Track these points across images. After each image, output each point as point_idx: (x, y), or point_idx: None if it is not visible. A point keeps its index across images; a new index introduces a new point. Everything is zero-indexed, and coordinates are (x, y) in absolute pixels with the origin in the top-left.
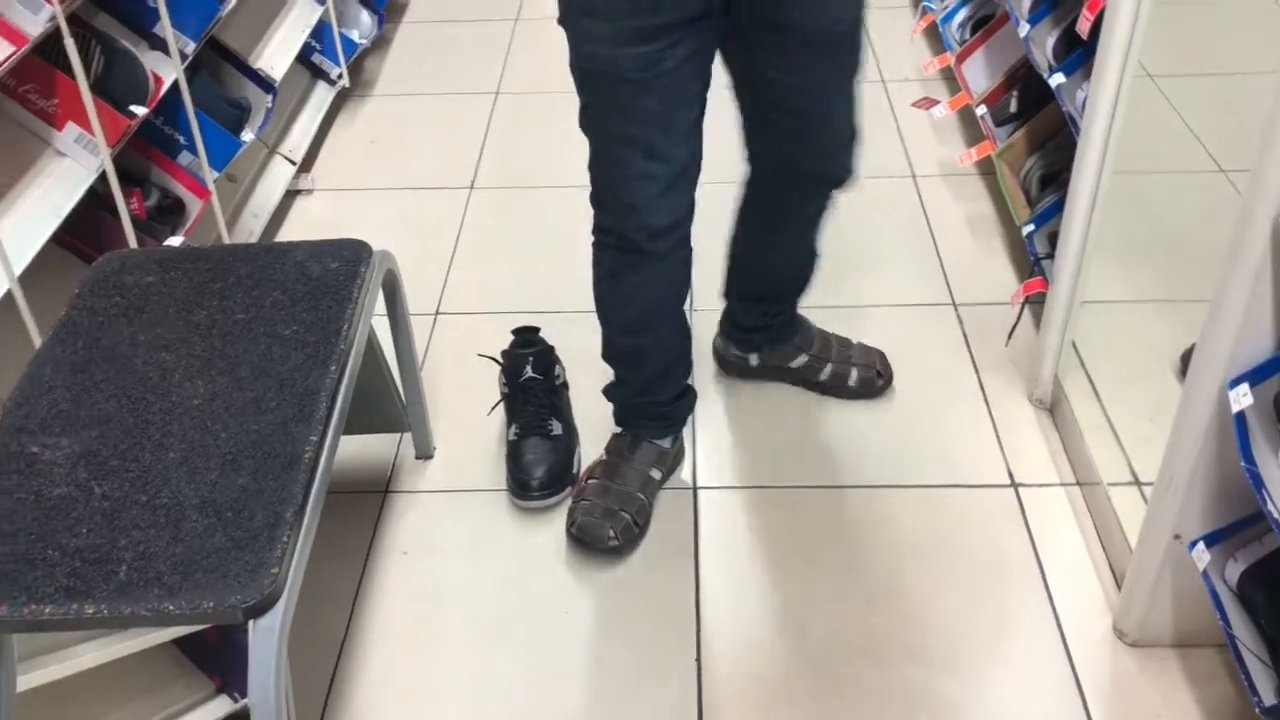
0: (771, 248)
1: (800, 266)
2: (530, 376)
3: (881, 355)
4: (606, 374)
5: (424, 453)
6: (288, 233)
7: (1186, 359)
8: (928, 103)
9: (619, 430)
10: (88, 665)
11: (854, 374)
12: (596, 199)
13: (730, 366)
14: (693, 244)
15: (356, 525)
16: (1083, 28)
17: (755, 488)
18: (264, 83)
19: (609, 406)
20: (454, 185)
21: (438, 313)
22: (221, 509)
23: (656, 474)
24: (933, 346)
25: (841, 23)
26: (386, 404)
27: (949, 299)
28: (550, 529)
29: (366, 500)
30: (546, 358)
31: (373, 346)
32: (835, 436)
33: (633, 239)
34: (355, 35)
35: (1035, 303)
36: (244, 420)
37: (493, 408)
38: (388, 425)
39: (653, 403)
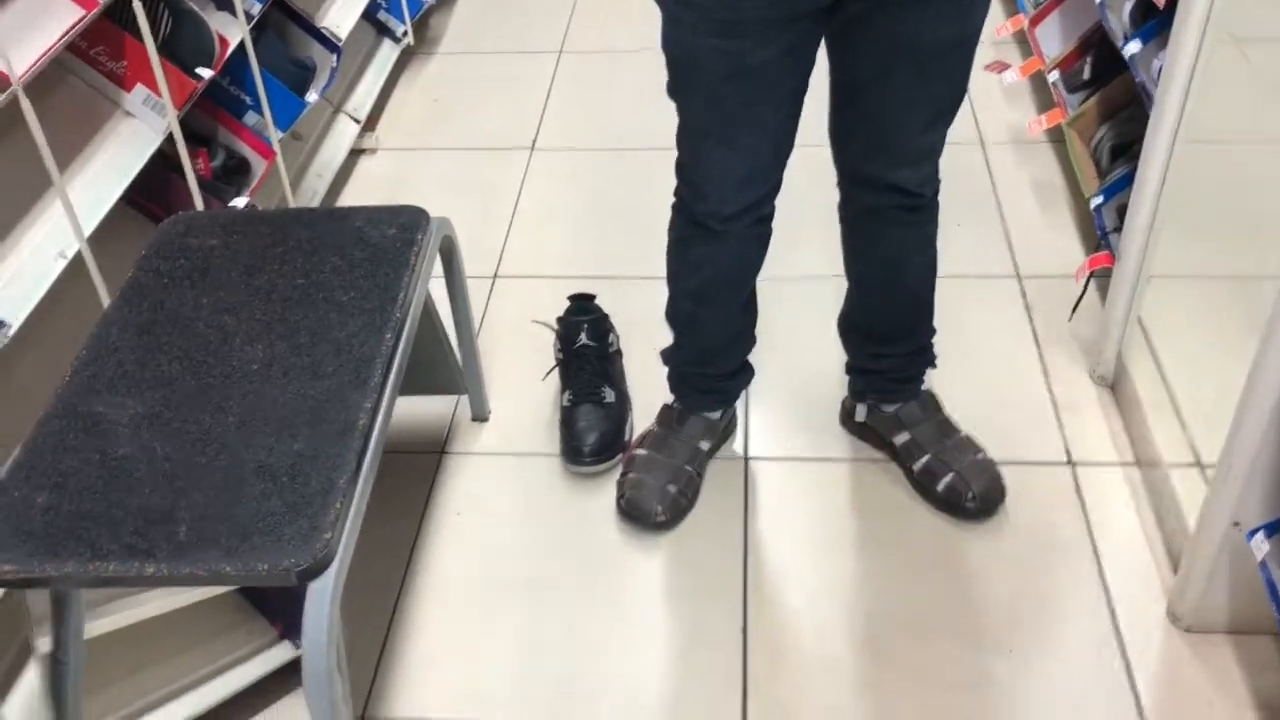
0: (864, 270)
1: (901, 302)
2: (584, 344)
3: (994, 477)
4: (663, 341)
5: (480, 415)
6: (351, 192)
7: None
8: (999, 66)
9: (670, 401)
10: (152, 614)
11: (947, 479)
12: (678, 167)
13: (844, 417)
14: (774, 223)
15: (412, 484)
16: None
17: (806, 459)
18: (329, 42)
19: (663, 376)
20: (516, 146)
21: (496, 276)
22: (278, 474)
23: (705, 445)
24: (994, 319)
25: (959, 41)
26: (443, 367)
27: (1013, 270)
28: (601, 494)
29: (423, 460)
30: (601, 325)
31: (429, 311)
32: None
33: (702, 219)
34: None
35: (1101, 277)
36: (301, 385)
37: (547, 373)
38: (444, 388)
39: (706, 374)
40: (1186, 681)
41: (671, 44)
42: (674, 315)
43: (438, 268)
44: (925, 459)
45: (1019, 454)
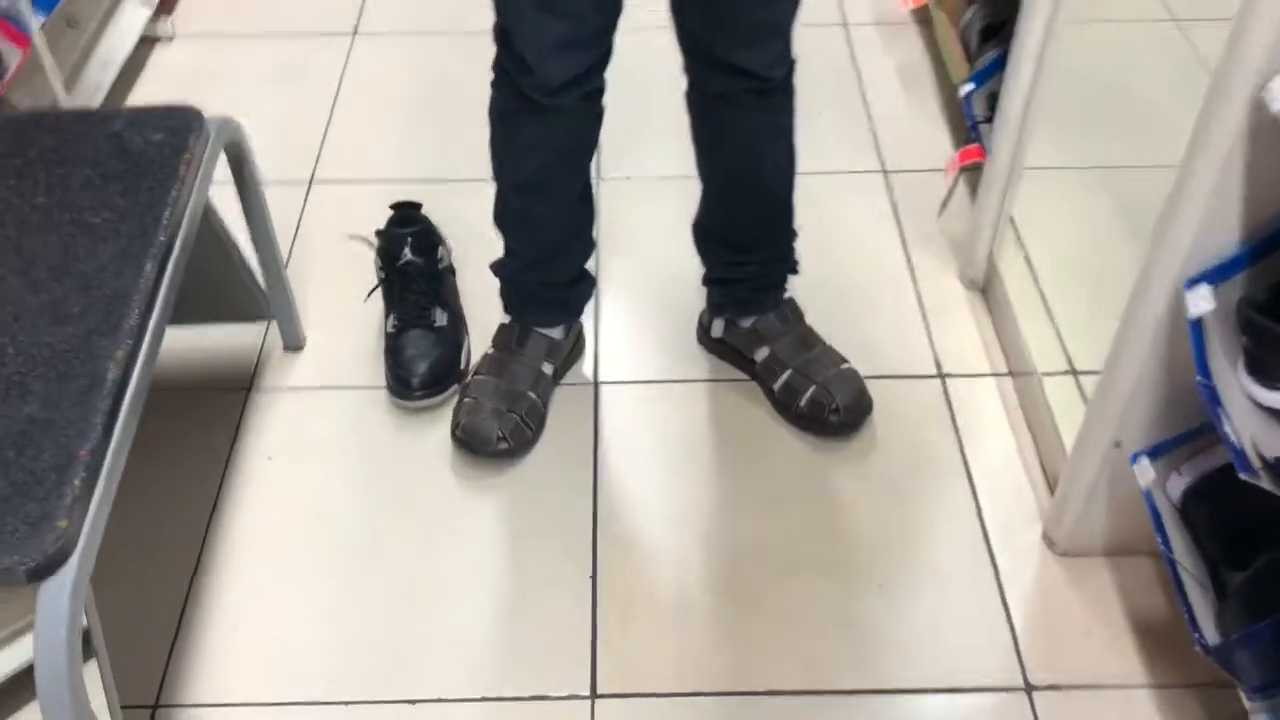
0: (715, 165)
1: (760, 203)
2: (409, 260)
3: (859, 389)
4: (497, 253)
5: (293, 344)
6: (143, 89)
7: None
8: None
9: (507, 320)
10: None
11: (807, 395)
12: (497, 32)
13: (700, 333)
14: (618, 118)
15: (215, 429)
16: None
17: (661, 382)
18: None
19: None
20: (336, 31)
21: (311, 181)
22: (2, 445)
23: (549, 368)
24: (858, 217)
25: None
26: (240, 292)
27: (878, 165)
28: (434, 431)
29: (227, 400)
30: (428, 238)
31: (214, 229)
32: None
33: (528, 93)
34: None
35: (972, 171)
36: (37, 332)
37: (369, 294)
38: (246, 314)
39: (544, 284)
40: (1062, 607)
41: None
42: (503, 215)
43: (226, 175)
44: (786, 375)
45: (886, 366)
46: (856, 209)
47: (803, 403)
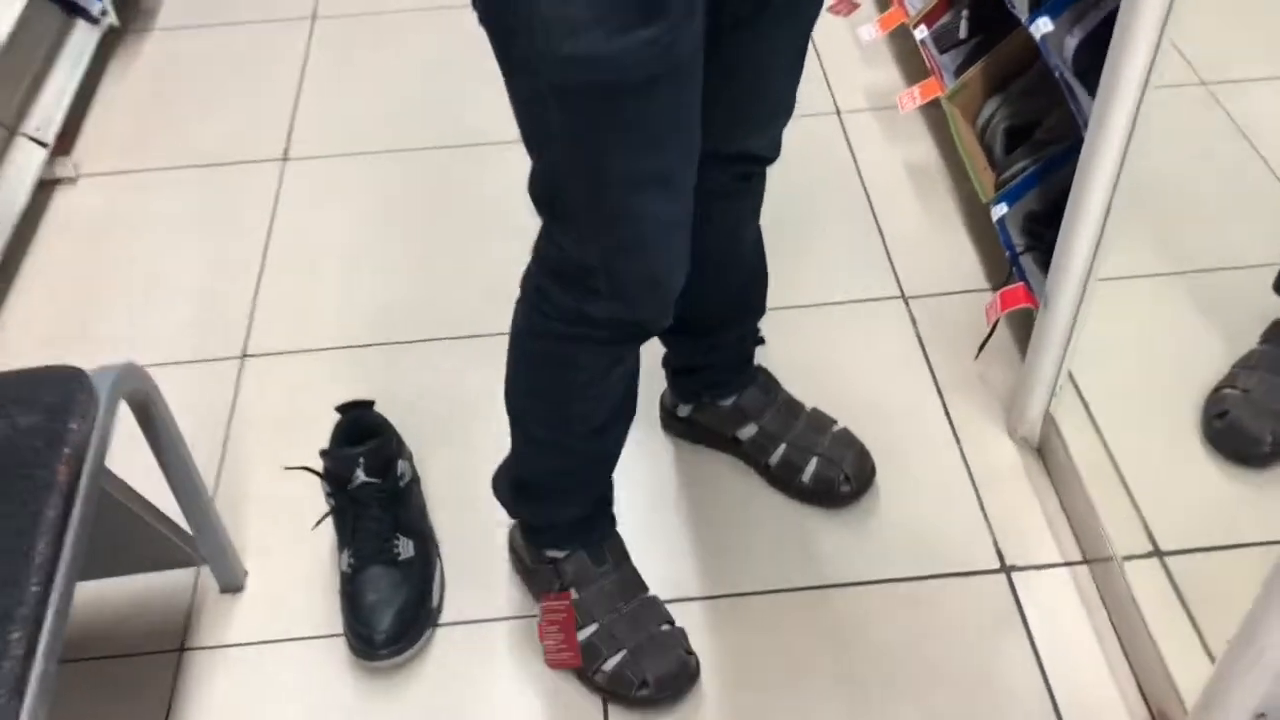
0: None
1: (738, 280)
2: (363, 483)
3: (861, 451)
4: (485, 427)
5: (230, 585)
6: (44, 243)
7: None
8: (847, 7)
9: (564, 553)
10: None
11: (811, 467)
12: (579, 281)
13: (666, 413)
14: None
15: (138, 710)
16: None
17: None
18: None
19: (479, 488)
20: (264, 157)
21: (244, 355)
22: None
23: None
24: (879, 356)
25: None
26: (157, 543)
27: (896, 289)
28: (409, 689)
29: (153, 666)
30: (383, 450)
31: (114, 500)
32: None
33: (648, 326)
34: None
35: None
36: None
37: (318, 522)
38: (170, 562)
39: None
40: None
41: (567, 70)
42: (570, 469)
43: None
44: (781, 450)
45: (940, 558)
46: (877, 345)
47: (806, 478)
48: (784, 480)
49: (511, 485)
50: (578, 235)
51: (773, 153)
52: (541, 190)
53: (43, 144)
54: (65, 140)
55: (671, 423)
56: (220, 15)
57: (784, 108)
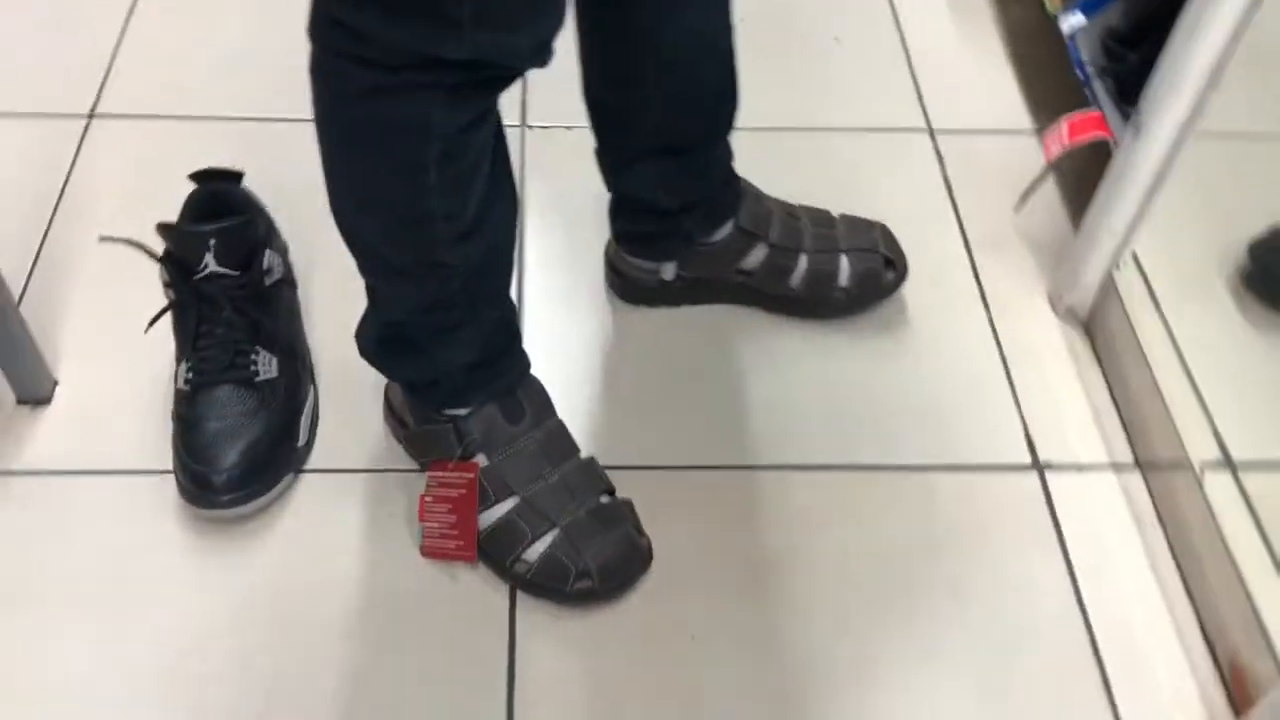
0: (663, 49)
1: (718, 75)
2: (213, 272)
3: (884, 230)
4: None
5: (33, 396)
6: None
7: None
8: None
9: (466, 410)
10: None
11: (845, 267)
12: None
13: (634, 286)
14: None
15: None
16: None
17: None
18: None
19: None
20: None
21: (92, 115)
22: None
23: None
24: (898, 198)
25: None
26: None
27: (922, 120)
28: (250, 552)
29: None
30: (245, 233)
31: None
32: (758, 365)
33: (522, 62)
34: None
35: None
36: None
37: (151, 321)
38: None
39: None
40: None
41: None
42: (452, 280)
43: None
44: (803, 262)
45: (953, 447)
46: (896, 186)
47: (844, 280)
48: (816, 298)
49: (377, 340)
50: None
51: None
52: None
53: None
54: None
55: (645, 295)
56: None
57: None
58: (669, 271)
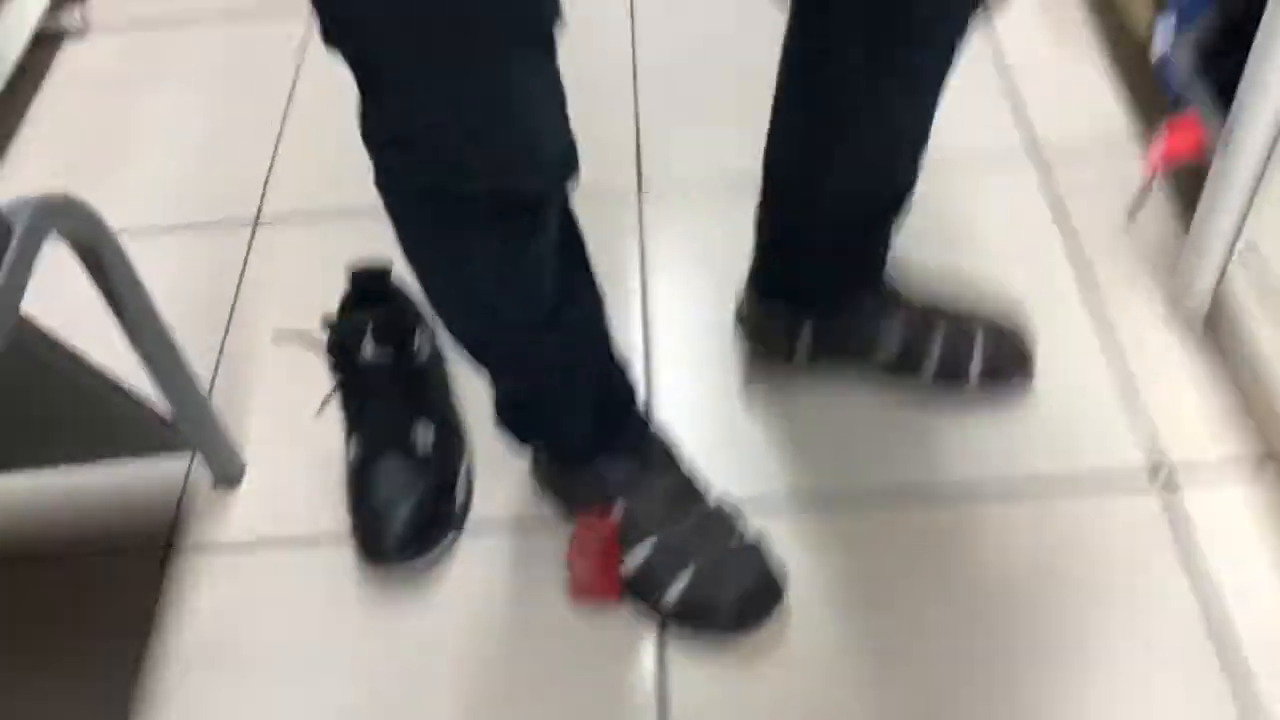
0: (858, 138)
1: (908, 160)
2: (374, 355)
3: (1022, 333)
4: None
5: (226, 477)
6: (46, 99)
7: None
8: None
9: (598, 463)
10: None
11: (978, 353)
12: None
13: (770, 342)
14: None
15: (115, 614)
16: None
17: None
18: None
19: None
20: (290, 10)
21: (257, 223)
22: None
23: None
24: (1000, 216)
25: None
26: (127, 425)
27: (1022, 137)
28: (429, 605)
29: (136, 568)
30: (396, 318)
31: (38, 358)
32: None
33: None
34: None
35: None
36: None
37: (322, 405)
38: (150, 446)
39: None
40: None
41: None
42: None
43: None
44: (939, 345)
45: (1070, 461)
46: (1003, 202)
47: (976, 366)
48: (946, 376)
49: (498, 410)
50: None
51: None
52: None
53: None
54: None
55: (779, 349)
56: None
57: None
58: (807, 334)
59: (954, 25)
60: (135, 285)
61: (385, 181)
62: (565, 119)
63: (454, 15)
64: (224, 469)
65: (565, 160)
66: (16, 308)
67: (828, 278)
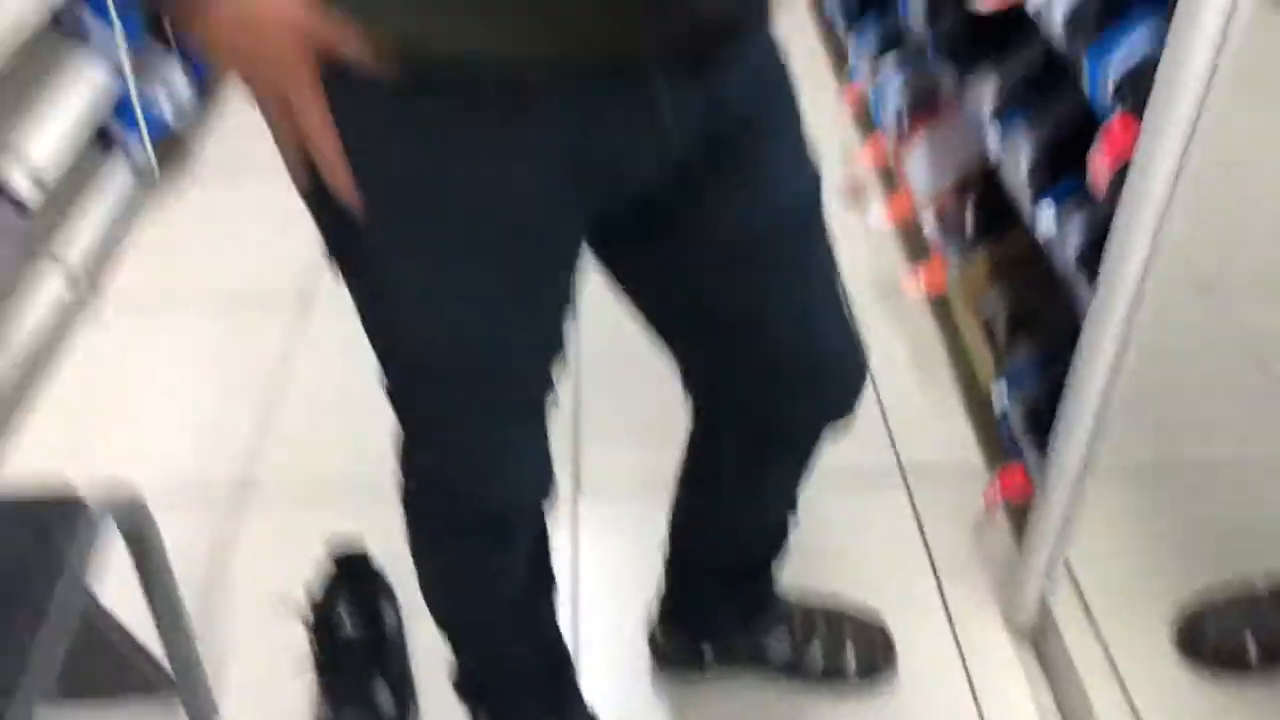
0: (739, 515)
1: (780, 524)
2: (349, 636)
3: (882, 630)
4: None
5: None
6: (62, 376)
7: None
8: (855, 192)
9: None
10: None
11: (849, 653)
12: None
13: (679, 662)
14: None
15: None
16: (1096, 182)
17: None
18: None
19: None
20: (284, 305)
21: (245, 485)
22: None
23: None
24: (875, 531)
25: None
26: (127, 672)
27: (893, 459)
28: None
29: None
30: (371, 602)
31: (94, 628)
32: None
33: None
34: (166, 111)
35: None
36: None
37: (300, 669)
38: (136, 687)
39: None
40: None
41: None
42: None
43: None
44: (817, 645)
45: None
46: (873, 520)
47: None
48: (829, 673)
49: (460, 676)
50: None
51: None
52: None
53: (72, 277)
54: (95, 275)
55: (684, 666)
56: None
57: None
58: (709, 652)
59: (813, 439)
60: (166, 572)
61: (408, 500)
62: (550, 460)
63: (487, 401)
64: (199, 714)
65: (548, 490)
66: (85, 583)
67: (721, 614)
